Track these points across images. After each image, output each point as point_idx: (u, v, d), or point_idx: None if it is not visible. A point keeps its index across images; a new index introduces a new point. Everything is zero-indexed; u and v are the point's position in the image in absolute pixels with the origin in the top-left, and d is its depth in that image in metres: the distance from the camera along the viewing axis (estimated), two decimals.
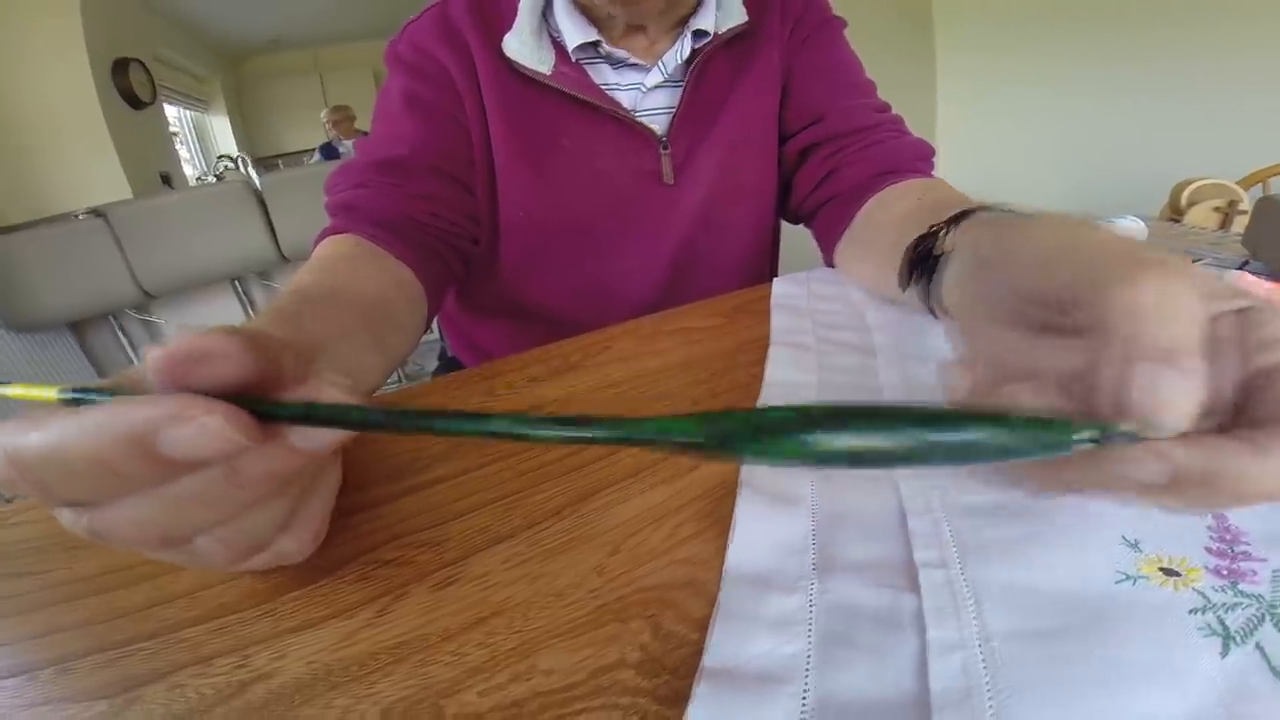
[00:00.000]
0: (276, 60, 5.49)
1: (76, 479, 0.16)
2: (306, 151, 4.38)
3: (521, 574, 0.24)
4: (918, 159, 0.57)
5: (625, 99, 0.58)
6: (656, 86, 0.58)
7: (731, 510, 0.26)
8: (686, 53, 0.57)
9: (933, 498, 0.25)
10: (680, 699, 0.18)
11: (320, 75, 5.65)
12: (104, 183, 2.87)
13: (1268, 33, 1.67)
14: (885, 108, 0.60)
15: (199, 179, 3.95)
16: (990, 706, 0.17)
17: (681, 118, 0.58)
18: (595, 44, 0.56)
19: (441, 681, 0.20)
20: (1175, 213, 1.51)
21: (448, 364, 0.81)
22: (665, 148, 0.58)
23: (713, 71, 0.58)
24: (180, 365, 0.16)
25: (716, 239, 0.64)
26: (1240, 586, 0.21)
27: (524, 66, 0.54)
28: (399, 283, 0.46)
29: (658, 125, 0.58)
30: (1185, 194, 1.48)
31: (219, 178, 3.00)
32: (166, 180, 3.11)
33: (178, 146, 3.89)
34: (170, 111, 3.99)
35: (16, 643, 0.23)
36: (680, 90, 0.58)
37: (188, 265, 2.14)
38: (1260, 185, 1.47)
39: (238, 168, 2.87)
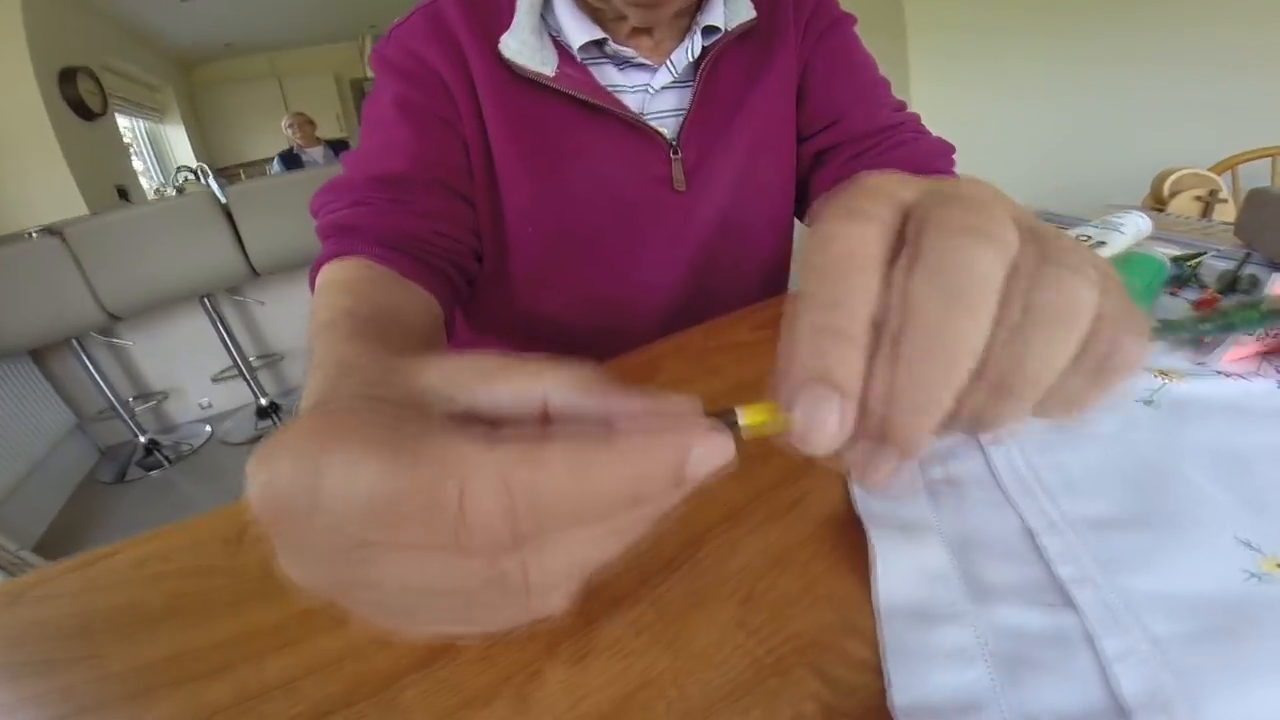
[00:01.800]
0: (231, 66, 5.29)
1: (588, 513, 0.14)
2: (268, 160, 4.24)
3: (655, 638, 0.22)
4: (939, 158, 0.56)
5: (632, 101, 0.54)
6: (665, 88, 0.55)
7: (851, 546, 0.25)
8: (697, 51, 0.54)
9: (1052, 513, 0.25)
10: None
11: (279, 80, 5.47)
12: (56, 198, 2.73)
13: (1240, 16, 1.72)
14: (902, 106, 0.58)
15: (157, 191, 3.78)
16: (1186, 705, 0.18)
17: (693, 121, 0.55)
18: (600, 43, 0.52)
19: None
20: (1158, 202, 1.55)
21: None
22: (675, 152, 0.55)
23: (725, 71, 0.55)
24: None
25: (736, 246, 0.62)
26: None
27: (524, 68, 0.50)
28: (424, 305, 0.43)
29: (667, 129, 0.55)
30: (1168, 184, 1.52)
31: (179, 190, 2.87)
32: (123, 194, 2.97)
33: (133, 158, 3.73)
34: (123, 122, 3.82)
35: None
36: (690, 91, 0.55)
37: (153, 283, 2.04)
38: (1230, 171, 1.52)
39: (198, 179, 2.75)
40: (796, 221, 0.67)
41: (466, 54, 0.51)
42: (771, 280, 0.67)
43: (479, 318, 0.64)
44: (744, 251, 0.62)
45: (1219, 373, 0.35)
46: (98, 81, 3.15)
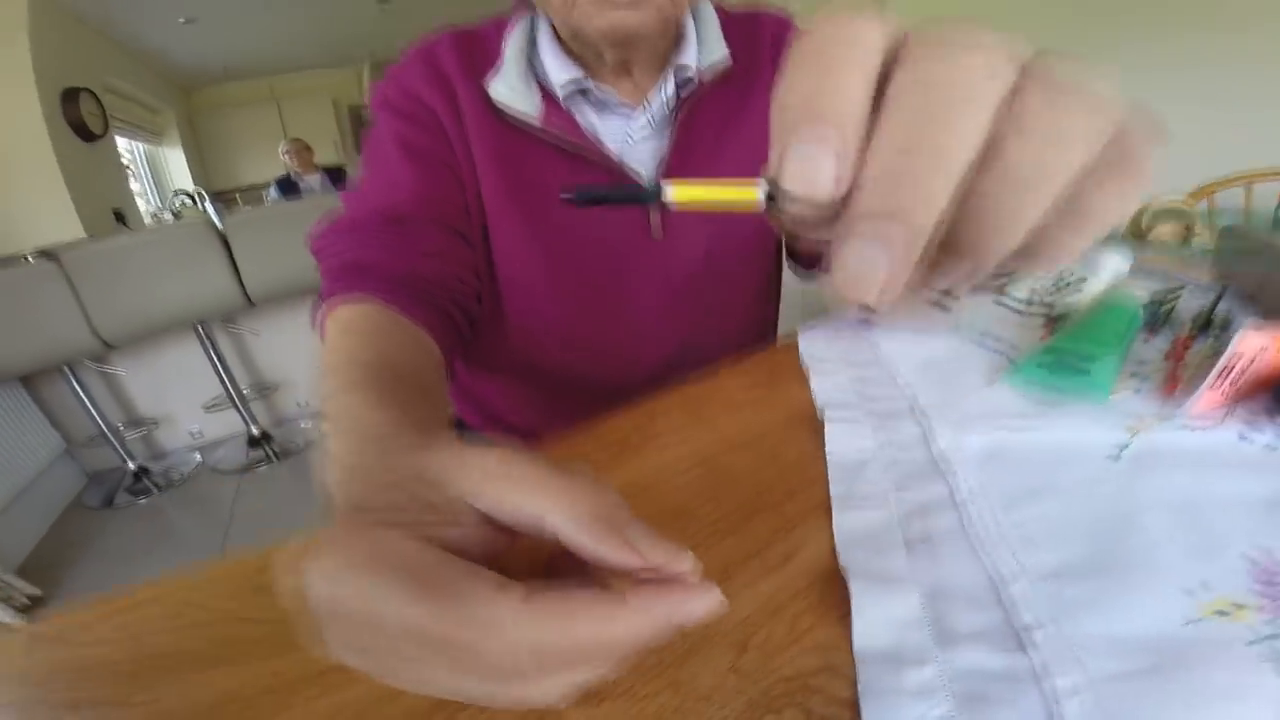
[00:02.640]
0: (231, 90, 5.35)
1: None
2: (265, 185, 4.26)
3: (665, 682, 0.24)
4: None
5: (612, 146, 0.56)
6: (644, 135, 0.56)
7: (838, 597, 0.27)
8: (671, 93, 0.55)
9: (1016, 564, 0.28)
10: None
11: (278, 104, 5.53)
12: (53, 220, 2.73)
13: (1217, 48, 1.83)
14: None
15: (154, 215, 3.80)
16: None
17: (670, 168, 0.56)
18: (583, 88, 0.54)
19: None
20: (1137, 231, 1.60)
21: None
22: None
23: (701, 116, 0.56)
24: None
25: (720, 289, 0.62)
26: None
27: (511, 113, 0.52)
28: (429, 350, 0.43)
29: (645, 174, 0.56)
30: (1145, 218, 1.57)
31: (176, 215, 2.89)
32: (120, 217, 2.98)
33: (130, 181, 3.75)
34: (122, 143, 3.84)
35: None
36: (668, 140, 0.56)
37: (149, 312, 2.03)
38: (1207, 199, 1.57)
39: (195, 204, 2.77)
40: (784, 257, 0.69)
41: (459, 95, 0.53)
42: (757, 322, 0.69)
43: (476, 358, 0.65)
44: (729, 294, 0.64)
45: (1185, 425, 0.37)
46: (99, 103, 3.17)
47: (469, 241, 0.55)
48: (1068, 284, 0.61)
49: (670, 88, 0.55)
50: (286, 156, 3.67)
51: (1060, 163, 0.13)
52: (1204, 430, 0.37)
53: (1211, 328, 0.53)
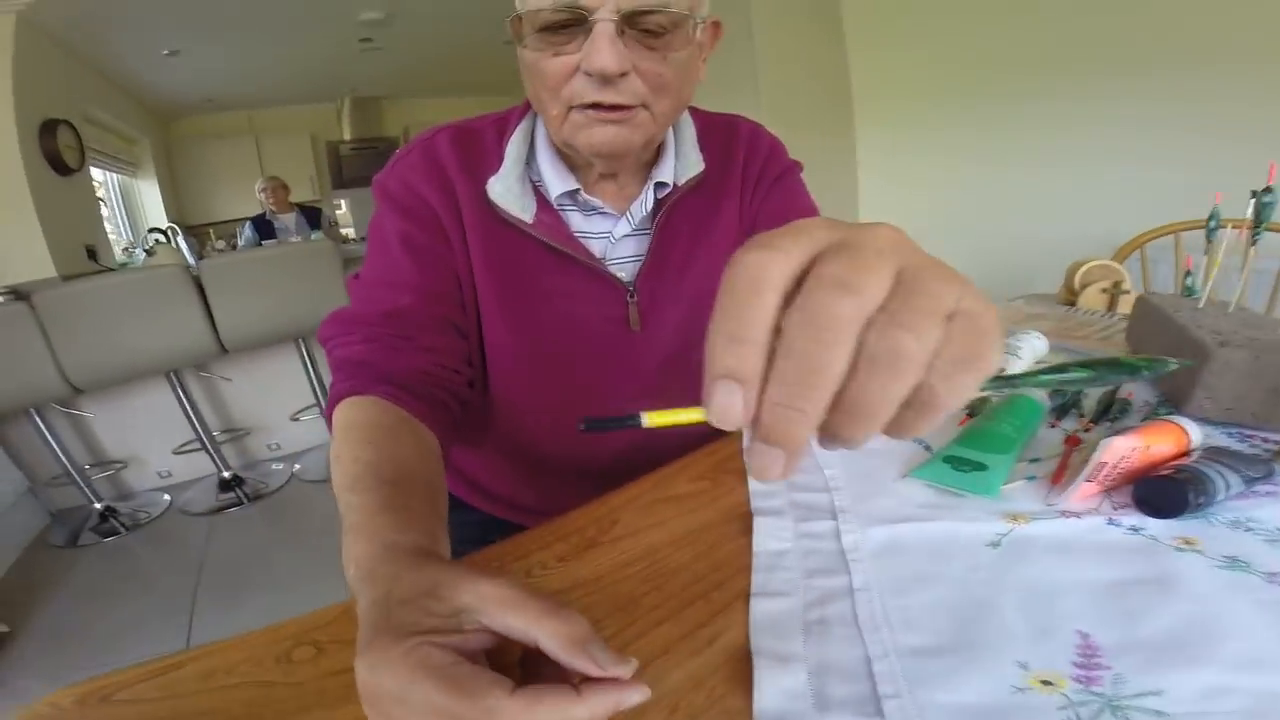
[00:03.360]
0: (210, 121, 5.32)
1: None
2: (239, 220, 4.22)
3: None
4: None
5: (596, 246, 0.61)
6: (625, 235, 0.62)
7: (748, 672, 0.33)
8: (650, 204, 0.61)
9: (887, 644, 0.34)
10: None
11: (256, 138, 5.50)
12: (25, 256, 2.67)
13: (1147, 100, 1.96)
14: None
15: (126, 250, 3.76)
16: None
17: (648, 269, 0.62)
18: (573, 192, 0.59)
19: None
20: (1070, 294, 1.70)
21: None
22: (632, 295, 0.62)
23: (676, 221, 0.62)
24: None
25: (685, 384, 0.66)
26: (1091, 689, 0.30)
27: (508, 213, 0.57)
28: (430, 448, 0.49)
29: (625, 273, 0.62)
30: (1078, 276, 1.68)
31: (149, 252, 2.89)
32: (92, 254, 2.95)
33: (103, 215, 3.71)
34: (97, 175, 3.80)
35: None
36: (647, 239, 0.62)
37: (120, 357, 2.03)
38: (1139, 251, 1.68)
39: (168, 241, 2.77)
40: None
41: (458, 193, 0.58)
42: None
43: (466, 433, 0.69)
44: (692, 386, 0.69)
45: (1062, 513, 0.43)
46: (77, 135, 3.14)
47: (463, 334, 0.60)
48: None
49: (650, 201, 0.61)
50: (263, 195, 3.68)
51: (903, 379, 0.18)
52: (1077, 518, 0.43)
53: (1111, 411, 0.59)
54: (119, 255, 3.62)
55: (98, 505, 2.28)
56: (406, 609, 0.28)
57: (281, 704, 0.34)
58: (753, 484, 0.50)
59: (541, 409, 0.66)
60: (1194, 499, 0.41)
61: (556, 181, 0.59)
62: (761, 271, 0.18)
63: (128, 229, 4.43)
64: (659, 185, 0.61)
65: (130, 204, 4.61)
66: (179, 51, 3.79)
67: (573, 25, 0.48)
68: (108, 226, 3.71)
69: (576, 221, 0.61)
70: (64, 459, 2.17)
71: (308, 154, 5.66)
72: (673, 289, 0.64)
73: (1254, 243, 0.63)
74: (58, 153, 2.93)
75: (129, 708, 0.34)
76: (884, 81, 2.66)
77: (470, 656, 0.27)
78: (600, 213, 0.61)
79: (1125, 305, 1.67)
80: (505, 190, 0.57)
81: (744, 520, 0.46)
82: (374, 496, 0.38)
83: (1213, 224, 0.70)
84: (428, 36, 4.17)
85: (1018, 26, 2.22)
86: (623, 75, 0.49)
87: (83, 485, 2.24)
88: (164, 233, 2.89)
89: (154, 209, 4.74)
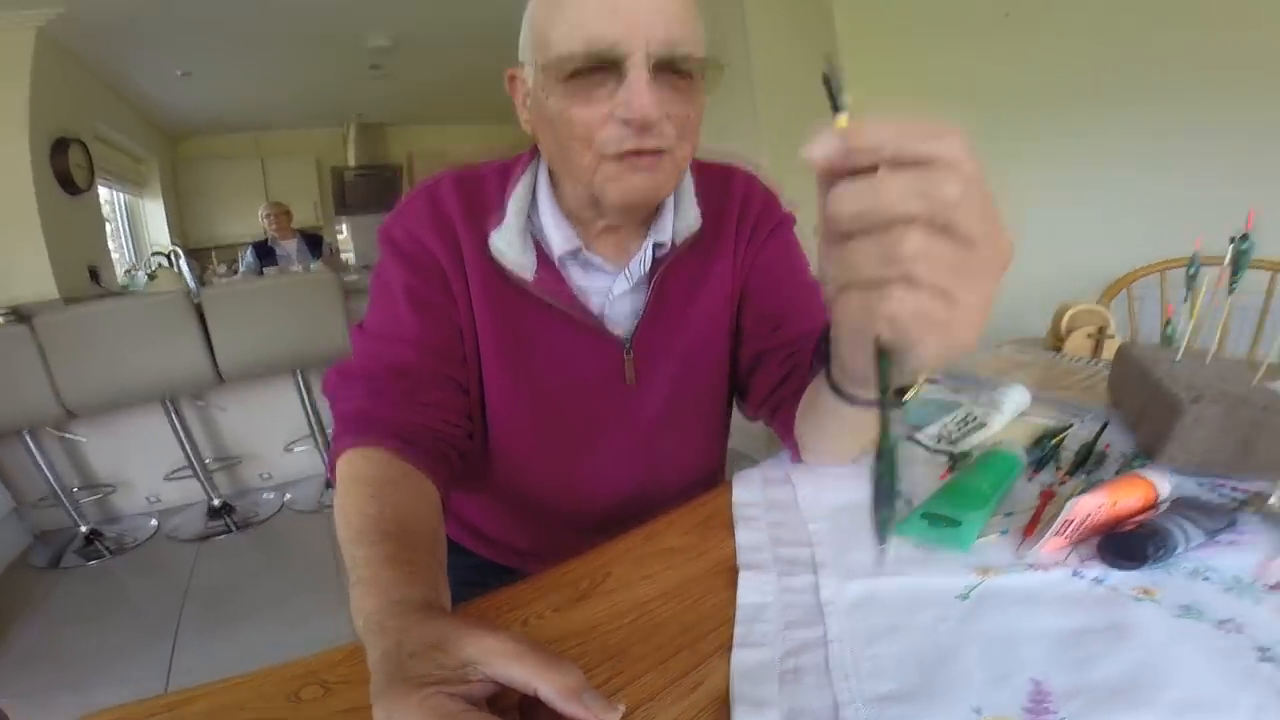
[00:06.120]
0: (217, 142, 5.36)
1: None
2: (241, 244, 4.24)
3: None
4: None
5: (595, 302, 0.62)
6: (623, 291, 0.62)
7: (728, 717, 0.35)
8: (649, 263, 0.62)
9: (856, 692, 0.36)
10: None
11: (262, 161, 5.54)
12: (27, 275, 2.68)
13: (1142, 143, 2.01)
14: None
15: (128, 272, 3.78)
16: None
17: (644, 325, 0.62)
18: (573, 250, 0.59)
19: None
20: (1057, 339, 1.73)
21: None
22: (629, 351, 0.63)
23: (672, 280, 0.63)
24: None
25: (676, 438, 0.69)
26: None
27: (509, 269, 0.58)
28: (432, 500, 0.50)
29: (622, 329, 0.63)
30: (1064, 321, 1.72)
31: (151, 275, 2.91)
32: (94, 275, 2.98)
33: (107, 233, 3.73)
34: (104, 193, 3.82)
35: None
36: (644, 295, 0.62)
37: (117, 382, 2.03)
38: (1126, 290, 1.71)
39: (170, 264, 2.80)
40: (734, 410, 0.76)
41: (461, 245, 0.59)
42: (706, 466, 0.75)
43: (464, 480, 0.69)
44: (683, 443, 0.71)
45: (1031, 566, 0.45)
46: (87, 154, 3.16)
47: (464, 389, 0.61)
48: (972, 425, 0.70)
49: (649, 260, 0.62)
50: (266, 220, 3.71)
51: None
52: (1044, 571, 0.45)
53: (1088, 463, 0.61)
54: (121, 277, 3.64)
55: (83, 528, 2.26)
56: (417, 661, 0.31)
57: None
58: (739, 538, 0.52)
59: (539, 458, 0.67)
60: (1152, 552, 0.43)
61: (559, 239, 0.59)
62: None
63: (131, 249, 4.45)
64: (659, 249, 0.62)
65: (135, 223, 4.64)
66: (192, 72, 3.84)
67: (603, 71, 0.48)
68: (111, 244, 3.73)
69: (576, 277, 0.62)
70: (52, 480, 2.16)
71: (312, 178, 5.70)
72: (666, 344, 0.65)
73: (1232, 290, 0.63)
74: (68, 172, 2.95)
75: None
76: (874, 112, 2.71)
77: (475, 704, 0.30)
78: (600, 270, 0.62)
79: (1111, 350, 1.70)
80: (506, 246, 0.58)
81: (730, 574, 0.48)
82: (380, 550, 0.40)
83: (1192, 270, 0.71)
84: (433, 64, 4.25)
85: (1004, 64, 2.29)
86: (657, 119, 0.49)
87: (69, 507, 2.22)
88: (167, 255, 2.91)
89: (158, 229, 4.76)
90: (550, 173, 0.60)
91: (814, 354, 0.52)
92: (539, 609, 0.47)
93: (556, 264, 0.60)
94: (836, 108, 0.24)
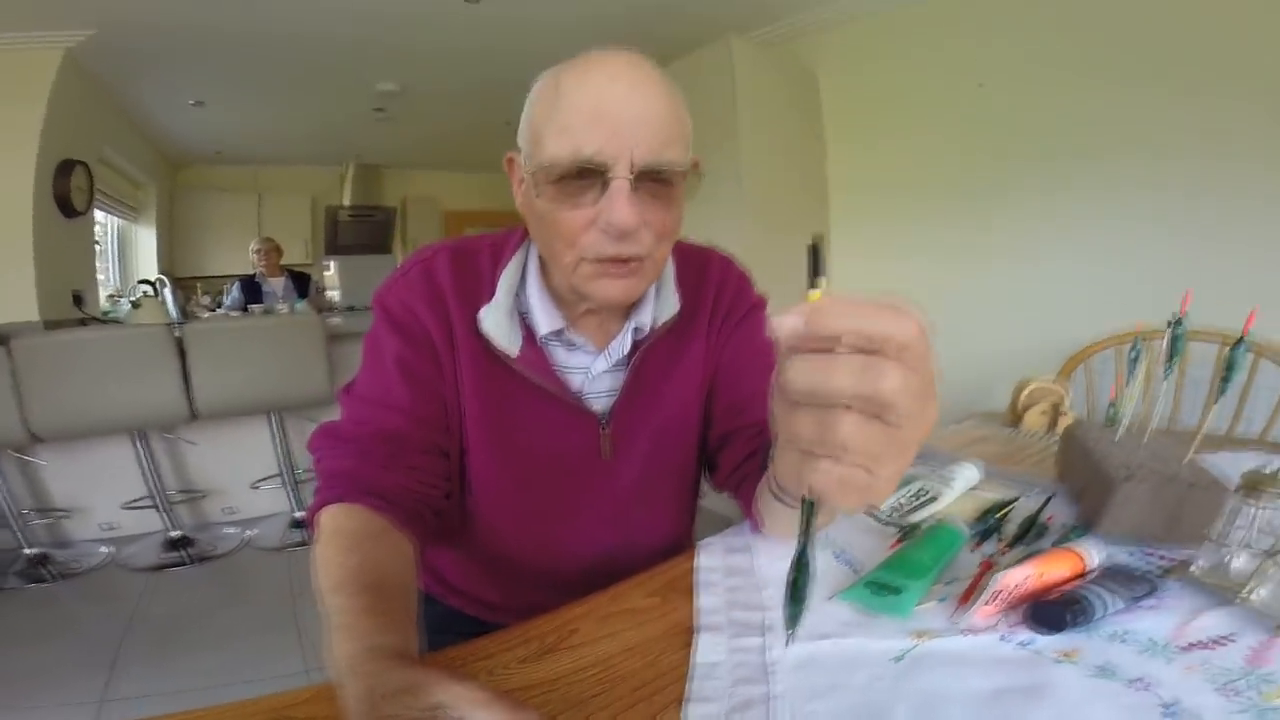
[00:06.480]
0: (216, 173, 5.36)
1: None
2: (228, 278, 4.20)
3: None
4: None
5: (575, 379, 0.65)
6: (602, 370, 0.65)
7: None
8: (628, 345, 0.65)
9: None
10: None
11: (259, 195, 5.54)
12: (9, 296, 2.64)
13: (1106, 216, 2.10)
14: None
15: (111, 298, 3.75)
16: None
17: (622, 403, 0.66)
18: (558, 330, 0.63)
19: None
20: (1015, 415, 1.79)
21: None
22: (605, 427, 0.66)
23: (650, 360, 0.66)
24: None
25: (648, 509, 0.73)
26: None
27: (495, 346, 0.60)
28: (407, 555, 0.53)
29: (600, 405, 0.66)
30: (1022, 397, 1.78)
31: (134, 304, 2.91)
32: (78, 301, 2.95)
33: (96, 259, 3.69)
34: (99, 216, 3.78)
35: None
36: (622, 375, 0.65)
37: (89, 412, 2.00)
38: (1084, 364, 1.71)
39: (155, 293, 2.79)
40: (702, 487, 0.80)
41: (452, 319, 0.62)
42: (675, 536, 0.78)
43: (441, 537, 0.72)
44: (654, 515, 0.75)
45: (964, 631, 0.49)
46: (89, 177, 3.14)
47: (446, 455, 0.64)
48: (924, 499, 0.74)
49: (628, 343, 0.65)
50: (256, 255, 3.73)
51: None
52: (975, 635, 0.48)
53: (1029, 535, 0.65)
54: (104, 302, 3.59)
55: (27, 550, 2.18)
56: (390, 703, 0.33)
57: None
58: (700, 601, 0.56)
59: (517, 523, 0.70)
60: (1070, 619, 0.47)
61: (544, 319, 0.62)
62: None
63: (117, 274, 4.41)
64: (639, 334, 0.65)
65: (125, 248, 4.60)
66: (204, 102, 3.86)
67: (589, 177, 0.51)
68: (98, 265, 3.69)
69: (559, 356, 0.65)
70: (2, 501, 2.10)
71: (306, 216, 5.71)
72: (642, 422, 0.68)
73: (1167, 374, 0.67)
74: (68, 195, 2.92)
75: None
76: (855, 183, 2.88)
77: None
78: (582, 350, 0.65)
79: (1064, 425, 1.76)
80: (495, 325, 0.61)
81: (687, 634, 0.51)
82: (359, 600, 0.43)
83: (1133, 353, 0.76)
84: (435, 112, 4.34)
85: (979, 133, 2.44)
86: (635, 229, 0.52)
87: (16, 529, 2.15)
88: (152, 284, 2.91)
89: (147, 256, 4.71)
90: (540, 255, 0.64)
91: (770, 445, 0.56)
92: (506, 660, 0.49)
93: (540, 343, 0.63)
94: (813, 283, 0.28)
